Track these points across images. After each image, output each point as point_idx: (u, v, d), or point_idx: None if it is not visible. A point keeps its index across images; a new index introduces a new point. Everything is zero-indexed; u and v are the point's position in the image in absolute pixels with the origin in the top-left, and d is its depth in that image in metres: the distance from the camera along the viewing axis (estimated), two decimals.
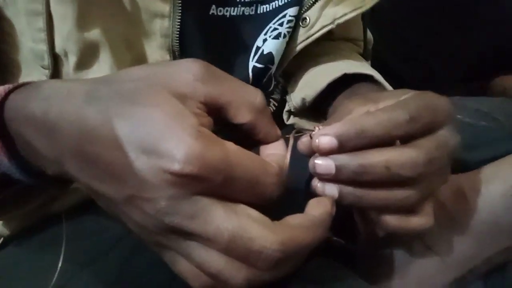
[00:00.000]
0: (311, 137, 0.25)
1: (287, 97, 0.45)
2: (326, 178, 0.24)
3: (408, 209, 0.26)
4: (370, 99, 0.29)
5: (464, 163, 0.39)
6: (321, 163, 0.24)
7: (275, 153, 0.24)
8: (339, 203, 0.25)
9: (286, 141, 0.26)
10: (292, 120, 0.45)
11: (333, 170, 0.24)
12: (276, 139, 0.25)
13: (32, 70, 0.35)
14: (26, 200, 0.32)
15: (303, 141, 0.26)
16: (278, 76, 0.45)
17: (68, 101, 0.22)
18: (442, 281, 0.32)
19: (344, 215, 0.27)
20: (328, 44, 0.49)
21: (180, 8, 0.34)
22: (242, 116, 0.23)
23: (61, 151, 0.22)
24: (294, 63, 0.43)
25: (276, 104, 0.46)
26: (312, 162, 0.24)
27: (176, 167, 0.19)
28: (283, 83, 0.47)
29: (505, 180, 0.33)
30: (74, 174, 0.22)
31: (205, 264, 0.20)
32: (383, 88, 0.40)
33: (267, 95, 0.45)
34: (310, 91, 0.42)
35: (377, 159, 0.24)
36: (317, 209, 0.24)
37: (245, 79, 0.40)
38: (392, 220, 0.25)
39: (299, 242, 0.21)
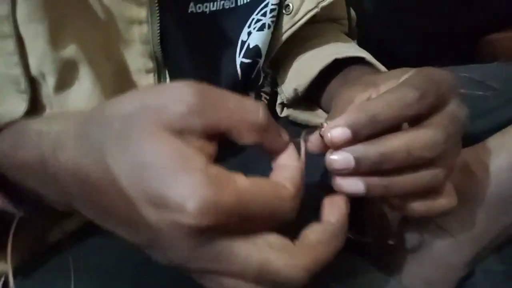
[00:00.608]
0: (320, 135, 0.24)
1: (278, 89, 0.43)
2: (345, 173, 0.23)
3: (434, 191, 0.25)
4: (370, 84, 0.28)
5: (464, 135, 0.38)
6: (338, 158, 0.23)
7: (288, 165, 0.23)
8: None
9: (295, 144, 0.24)
10: (286, 112, 0.44)
11: (352, 163, 0.22)
12: (285, 147, 0.23)
13: (7, 96, 0.32)
14: (25, 230, 0.31)
15: (312, 140, 0.24)
16: (266, 68, 0.44)
17: (61, 151, 0.21)
18: (458, 260, 0.32)
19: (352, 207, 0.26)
20: (313, 27, 0.47)
21: (158, 11, 0.32)
22: (246, 138, 0.21)
23: (68, 197, 0.21)
24: (280, 51, 0.42)
25: (268, 98, 0.44)
26: (328, 158, 0.23)
27: (192, 221, 0.18)
28: (272, 73, 0.46)
29: (511, 151, 0.33)
30: (86, 216, 0.21)
31: None
32: (375, 69, 0.39)
33: (258, 89, 0.44)
34: (302, 81, 0.40)
35: (397, 144, 0.23)
36: (334, 214, 0.23)
37: (234, 76, 0.39)
38: (419, 206, 0.25)
39: (323, 260, 0.21)
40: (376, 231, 0.33)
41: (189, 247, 0.19)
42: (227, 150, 0.22)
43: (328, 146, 0.24)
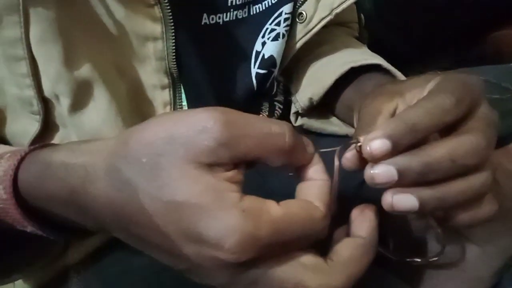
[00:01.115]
0: (357, 150, 0.23)
1: (293, 98, 0.43)
2: (387, 187, 0.22)
3: (480, 198, 0.24)
4: (395, 93, 0.28)
5: None
6: (380, 172, 0.22)
7: (315, 180, 0.23)
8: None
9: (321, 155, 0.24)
10: (300, 121, 0.43)
11: (395, 176, 0.22)
12: (311, 159, 0.23)
13: (19, 117, 0.32)
14: (44, 252, 0.31)
15: (348, 156, 0.24)
16: (278, 76, 0.43)
17: (90, 184, 0.20)
18: (485, 271, 0.31)
19: None
20: (322, 32, 0.46)
21: (172, 26, 0.32)
22: (274, 162, 0.21)
23: (102, 224, 0.21)
24: (292, 58, 0.41)
25: (281, 107, 0.44)
26: (369, 172, 0.22)
27: (231, 257, 0.18)
28: (284, 81, 0.45)
29: None
30: (123, 240, 0.22)
31: None
32: (392, 76, 0.38)
33: (271, 99, 0.43)
34: (317, 90, 0.40)
35: (440, 153, 0.22)
36: (364, 228, 0.23)
37: (249, 87, 0.39)
38: (464, 216, 0.24)
39: (355, 276, 0.21)
40: (396, 245, 0.32)
41: (228, 275, 0.20)
42: None
43: (365, 162, 0.23)
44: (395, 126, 0.22)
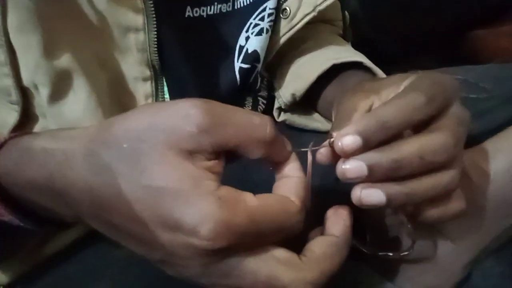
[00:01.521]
0: (330, 146, 0.24)
1: (276, 94, 0.43)
2: (357, 182, 0.23)
3: (447, 195, 0.25)
4: (371, 91, 0.28)
5: None
6: (351, 167, 0.22)
7: (292, 176, 0.23)
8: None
9: (298, 154, 0.24)
10: (282, 116, 0.43)
11: (365, 171, 0.22)
12: (288, 157, 0.23)
13: None
14: (22, 242, 0.31)
15: (322, 151, 0.24)
16: (262, 71, 0.43)
17: (69, 169, 0.20)
18: (457, 264, 0.32)
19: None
20: (307, 28, 0.47)
21: (154, 17, 0.32)
22: (253, 153, 0.21)
23: (78, 212, 0.21)
24: (276, 53, 0.42)
25: (265, 102, 0.44)
26: (340, 167, 0.23)
27: (205, 244, 0.18)
28: (268, 77, 0.45)
29: (508, 154, 0.33)
30: (98, 229, 0.22)
31: None
32: (373, 73, 0.39)
33: (255, 94, 0.43)
34: (299, 86, 0.40)
35: (409, 150, 0.23)
36: (337, 227, 0.23)
37: (232, 82, 0.39)
38: (433, 212, 0.25)
39: (328, 273, 0.22)
40: (374, 239, 0.33)
41: (201, 265, 0.20)
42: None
43: (338, 156, 0.23)
44: (366, 123, 0.22)
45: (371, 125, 0.22)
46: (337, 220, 0.23)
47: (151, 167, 0.19)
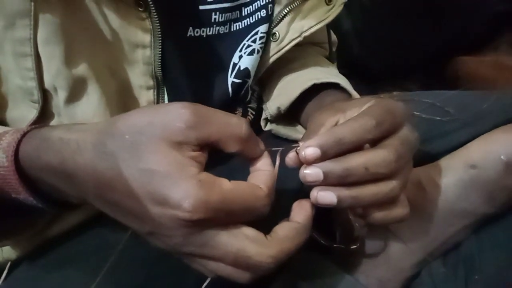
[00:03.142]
0: (297, 152, 0.29)
1: (264, 106, 0.48)
2: (315, 185, 0.28)
3: (391, 202, 0.30)
4: (339, 110, 0.33)
5: (422, 155, 0.44)
6: (310, 172, 0.28)
7: (263, 170, 0.28)
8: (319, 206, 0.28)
9: (270, 153, 0.29)
10: (269, 126, 0.48)
11: (321, 177, 0.27)
12: (261, 154, 0.28)
13: (19, 104, 0.36)
14: (31, 222, 0.35)
15: (290, 156, 0.29)
16: (253, 85, 0.48)
17: (80, 155, 0.25)
18: (407, 264, 0.37)
19: (321, 213, 0.31)
20: (296, 50, 0.52)
21: (160, 36, 0.36)
22: (231, 147, 0.26)
23: (84, 193, 0.26)
24: (267, 70, 0.47)
25: (254, 113, 0.49)
26: (302, 172, 0.28)
27: (187, 216, 0.23)
28: (258, 91, 0.50)
29: (456, 171, 0.38)
30: (99, 208, 0.26)
31: (217, 272, 0.26)
32: (348, 94, 0.44)
33: (245, 105, 0.48)
34: (284, 101, 0.45)
35: (357, 162, 0.28)
36: (300, 215, 0.28)
37: (225, 94, 0.43)
38: (378, 215, 0.30)
39: (288, 252, 0.26)
40: (341, 236, 0.38)
41: (183, 235, 0.24)
42: (217, 159, 0.27)
43: (302, 162, 0.29)
44: (326, 138, 0.28)
45: (329, 140, 0.28)
46: (301, 210, 0.28)
47: (147, 154, 0.24)
